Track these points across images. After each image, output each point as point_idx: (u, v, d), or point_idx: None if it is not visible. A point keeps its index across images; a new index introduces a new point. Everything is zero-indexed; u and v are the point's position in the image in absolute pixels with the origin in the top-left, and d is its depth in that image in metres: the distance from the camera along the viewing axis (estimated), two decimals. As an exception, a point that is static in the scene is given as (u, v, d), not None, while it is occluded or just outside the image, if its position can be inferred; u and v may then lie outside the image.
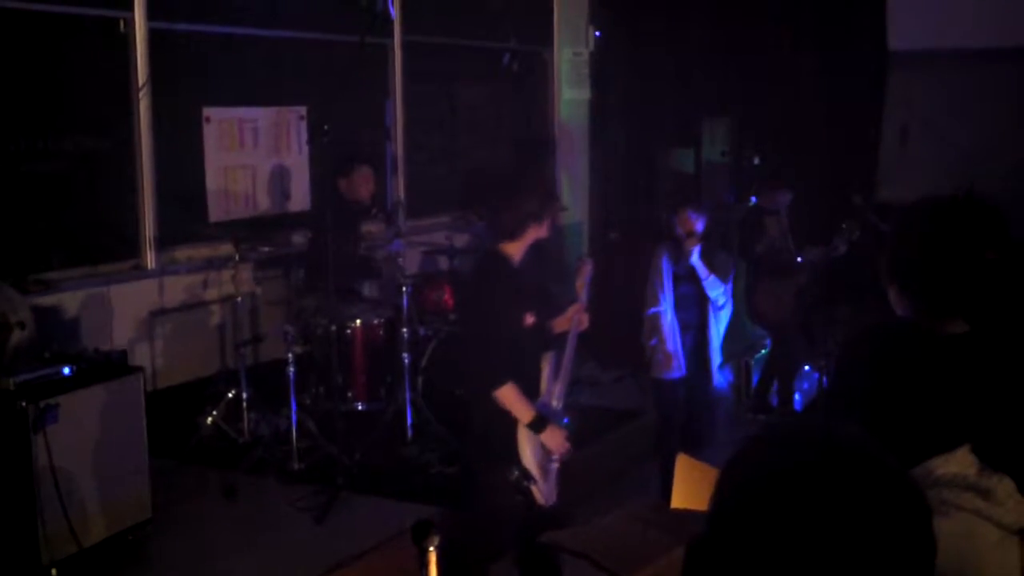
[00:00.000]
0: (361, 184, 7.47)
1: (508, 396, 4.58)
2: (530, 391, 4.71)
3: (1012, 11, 9.14)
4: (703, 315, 6.44)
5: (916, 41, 9.64)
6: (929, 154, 9.62)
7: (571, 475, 6.74)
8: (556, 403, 4.87)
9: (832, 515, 1.32)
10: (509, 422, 4.61)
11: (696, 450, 6.12)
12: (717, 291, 6.35)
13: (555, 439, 4.70)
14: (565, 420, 4.95)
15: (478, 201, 8.72)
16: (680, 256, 6.31)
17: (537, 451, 4.67)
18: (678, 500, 3.49)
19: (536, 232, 4.74)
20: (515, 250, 4.74)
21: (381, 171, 8.33)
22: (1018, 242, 2.66)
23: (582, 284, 5.13)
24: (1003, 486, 2.00)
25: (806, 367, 8.38)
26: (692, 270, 6.31)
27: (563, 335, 5.03)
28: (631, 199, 10.72)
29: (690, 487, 3.44)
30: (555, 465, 4.80)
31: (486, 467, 4.81)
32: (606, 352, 8.95)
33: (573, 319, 5.00)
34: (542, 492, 4.71)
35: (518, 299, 4.71)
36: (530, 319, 4.71)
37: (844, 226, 7.79)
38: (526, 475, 4.64)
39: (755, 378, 8.66)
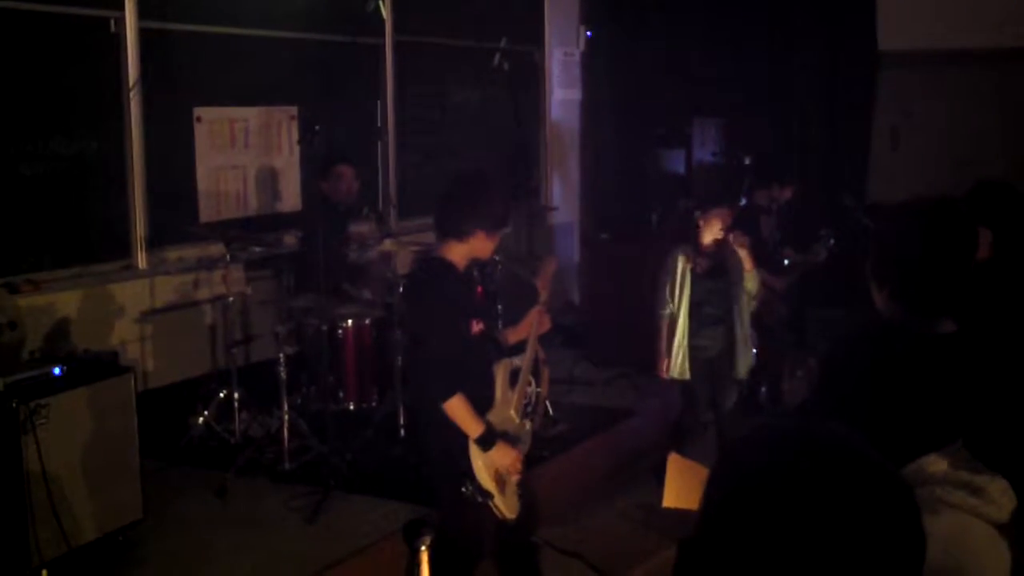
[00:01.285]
0: (341, 183, 7.44)
1: (456, 409, 4.39)
2: (481, 402, 4.54)
3: (1002, 11, 9.16)
4: (730, 310, 6.55)
5: (906, 41, 9.66)
6: (919, 154, 9.65)
7: (565, 475, 6.77)
8: (515, 413, 4.73)
9: (821, 513, 1.33)
10: (460, 435, 4.45)
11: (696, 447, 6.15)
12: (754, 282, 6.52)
13: (505, 457, 4.50)
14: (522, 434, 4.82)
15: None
16: (698, 256, 6.43)
17: (491, 465, 4.50)
18: (670, 500, 3.50)
19: (484, 244, 4.57)
20: (460, 256, 4.56)
21: (368, 170, 8.31)
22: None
23: (545, 282, 4.98)
24: (995, 484, 2.01)
25: (796, 369, 8.39)
26: (712, 268, 6.45)
27: (523, 343, 4.91)
28: (622, 199, 10.73)
29: (681, 487, 3.44)
30: (515, 477, 4.62)
31: (441, 482, 4.68)
32: (599, 352, 8.96)
33: (534, 322, 4.87)
34: (501, 507, 4.55)
35: (463, 307, 4.55)
36: (476, 327, 4.55)
37: (822, 233, 7.81)
38: (480, 491, 4.48)
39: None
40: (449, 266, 4.54)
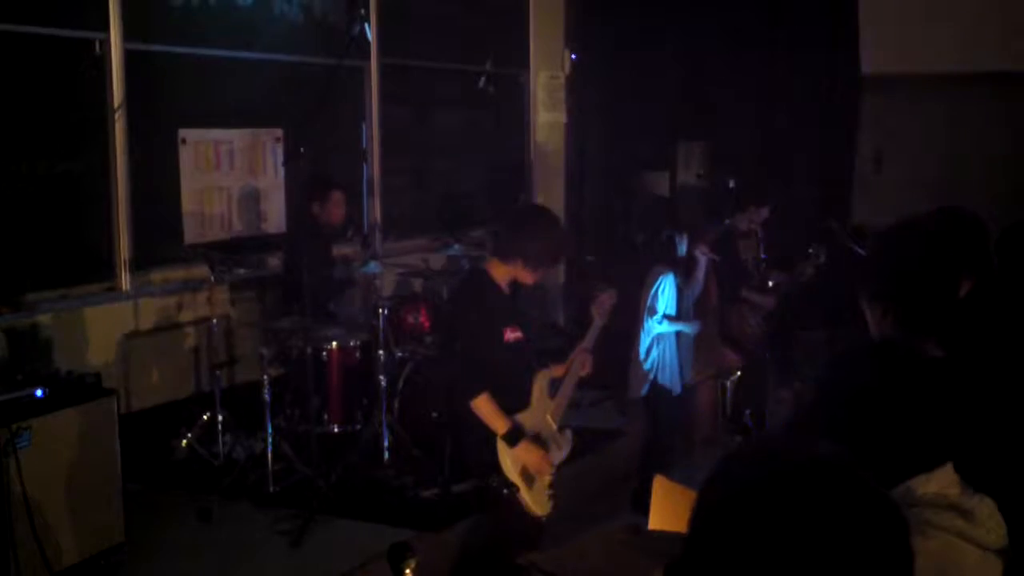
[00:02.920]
0: (334, 209, 7.47)
1: (482, 407, 4.69)
2: (515, 404, 4.81)
3: (983, 36, 9.22)
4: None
5: (889, 65, 9.71)
6: (903, 177, 9.68)
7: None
8: (551, 420, 4.96)
9: (810, 531, 1.33)
10: (489, 431, 4.72)
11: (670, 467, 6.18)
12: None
13: (530, 455, 4.77)
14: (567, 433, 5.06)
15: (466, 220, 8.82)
16: (686, 274, 6.61)
17: (518, 461, 4.76)
18: (655, 522, 3.48)
19: (523, 272, 4.82)
20: (501, 274, 4.85)
21: (353, 191, 8.31)
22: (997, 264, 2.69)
23: (600, 313, 5.15)
24: (983, 506, 2.00)
25: (781, 391, 8.39)
26: (686, 283, 6.63)
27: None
28: (607, 221, 10.74)
29: (667, 509, 3.43)
30: (546, 477, 4.88)
31: (478, 478, 4.91)
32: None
33: (576, 361, 5.07)
34: (528, 500, 4.77)
35: (498, 313, 4.81)
36: (511, 334, 4.82)
37: (811, 251, 7.85)
38: (506, 483, 4.72)
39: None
40: (488, 278, 4.86)
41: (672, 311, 6.66)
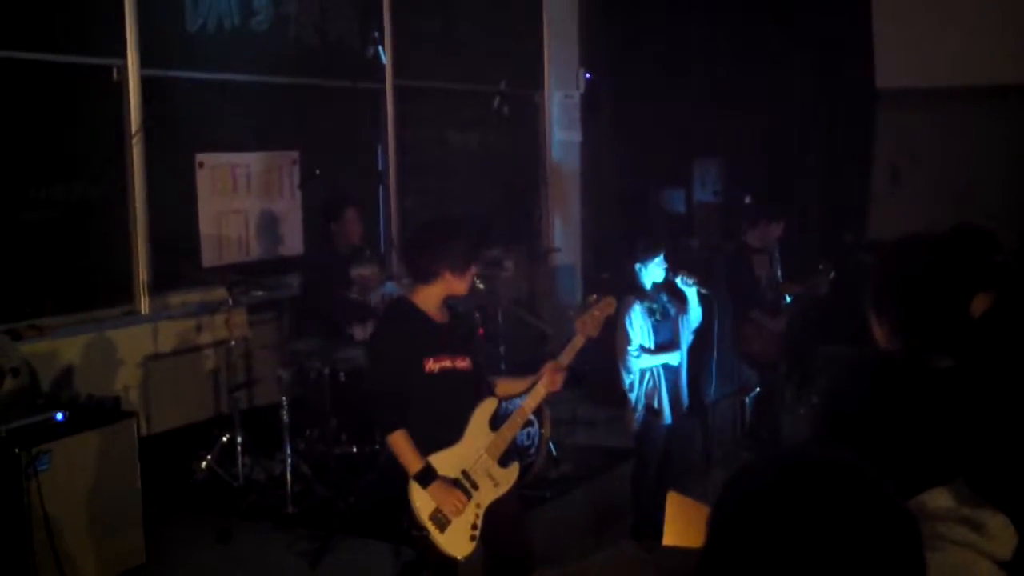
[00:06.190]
0: (351, 226, 7.47)
1: (396, 443, 4.49)
2: (444, 438, 4.57)
3: (997, 49, 9.22)
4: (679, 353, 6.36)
5: (904, 79, 9.72)
6: (919, 191, 9.67)
7: (568, 515, 6.75)
8: (488, 454, 4.65)
9: (822, 536, 1.34)
10: (402, 468, 4.54)
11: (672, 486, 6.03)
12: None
13: (443, 496, 4.49)
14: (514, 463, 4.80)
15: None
16: (654, 301, 6.24)
17: (428, 500, 4.51)
18: (670, 538, 3.47)
19: (454, 283, 4.59)
20: (427, 297, 4.63)
21: (369, 213, 8.34)
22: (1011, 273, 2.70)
23: (586, 326, 4.82)
24: (996, 520, 2.00)
25: (800, 408, 8.37)
26: (665, 312, 6.25)
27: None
28: (624, 240, 10.75)
29: (681, 524, 3.42)
30: (467, 517, 4.58)
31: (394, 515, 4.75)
32: (601, 391, 8.94)
33: (543, 379, 4.76)
34: (442, 544, 4.52)
35: (420, 342, 4.57)
36: (435, 364, 4.56)
37: (821, 267, 7.79)
38: (416, 525, 4.50)
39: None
40: (410, 307, 4.64)
41: (648, 342, 6.19)
